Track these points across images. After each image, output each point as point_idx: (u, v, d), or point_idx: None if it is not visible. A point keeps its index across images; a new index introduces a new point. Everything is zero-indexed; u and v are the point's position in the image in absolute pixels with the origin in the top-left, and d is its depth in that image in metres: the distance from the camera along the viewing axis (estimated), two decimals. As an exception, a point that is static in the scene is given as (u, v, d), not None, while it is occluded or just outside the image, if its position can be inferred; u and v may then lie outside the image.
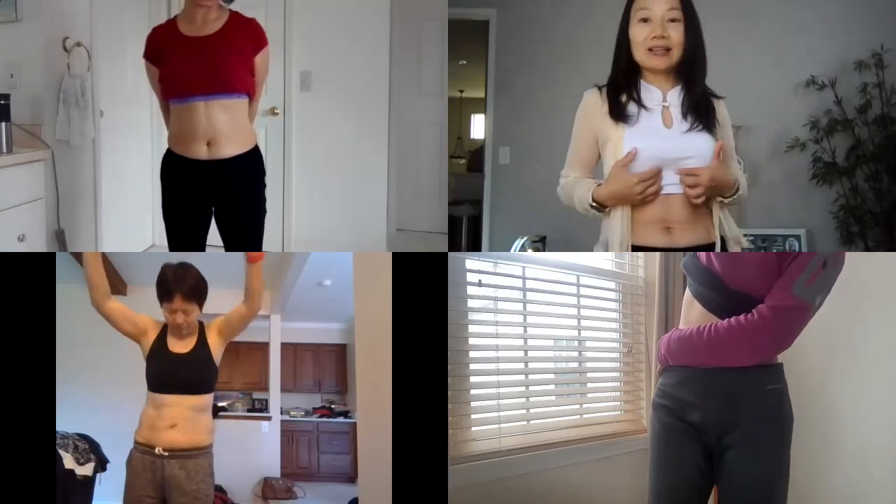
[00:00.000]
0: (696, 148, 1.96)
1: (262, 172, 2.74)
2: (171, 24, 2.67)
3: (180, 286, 2.29)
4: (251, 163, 2.70)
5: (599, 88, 2.07)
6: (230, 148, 2.62)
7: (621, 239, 1.99)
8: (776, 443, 1.85)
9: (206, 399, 2.36)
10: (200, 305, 2.35)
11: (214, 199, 2.66)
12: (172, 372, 2.31)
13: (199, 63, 2.56)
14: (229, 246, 2.74)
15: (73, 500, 3.37)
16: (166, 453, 2.25)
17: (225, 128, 2.60)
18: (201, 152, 2.60)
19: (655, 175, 1.94)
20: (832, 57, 4.24)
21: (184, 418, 2.28)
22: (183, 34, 2.61)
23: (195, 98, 2.56)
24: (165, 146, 2.70)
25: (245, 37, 2.65)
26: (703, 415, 1.86)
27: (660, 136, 1.98)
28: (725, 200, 2.02)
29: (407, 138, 5.08)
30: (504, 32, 5.02)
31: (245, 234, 2.73)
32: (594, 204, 2.02)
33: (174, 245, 2.71)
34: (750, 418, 1.83)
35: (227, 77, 2.59)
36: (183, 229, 2.70)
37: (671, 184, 1.97)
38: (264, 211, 2.77)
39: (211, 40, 2.60)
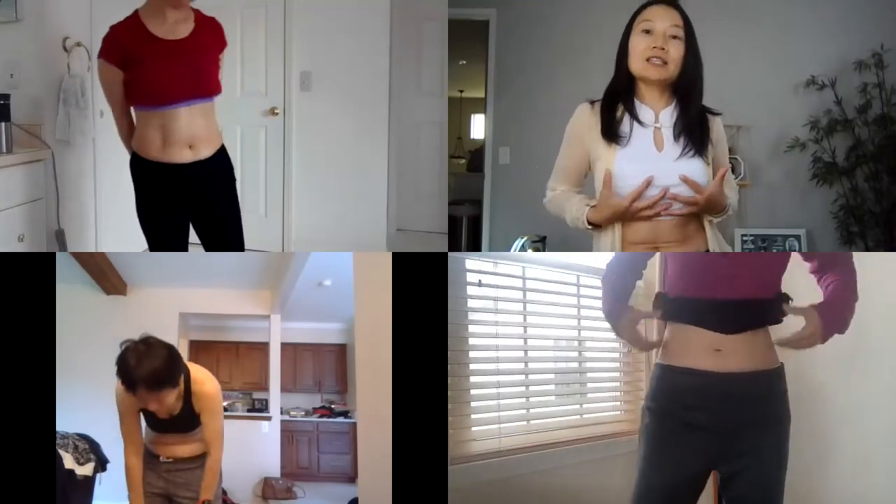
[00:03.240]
0: (687, 174, 1.92)
1: (233, 168, 2.76)
2: (136, 23, 2.52)
3: (143, 378, 2.02)
4: (224, 161, 2.71)
5: (591, 104, 2.04)
6: (207, 149, 2.63)
7: None
8: (784, 444, 1.85)
9: None
10: (174, 386, 2.12)
11: (194, 200, 2.64)
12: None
13: (182, 68, 2.51)
14: (211, 245, 2.74)
15: (73, 500, 3.37)
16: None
17: (204, 131, 2.60)
18: (184, 156, 2.57)
19: (647, 187, 1.90)
20: (832, 57, 4.23)
21: None
22: (156, 36, 2.51)
23: (178, 104, 2.51)
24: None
25: (213, 38, 2.65)
26: (710, 418, 1.82)
27: (650, 161, 1.95)
28: (714, 220, 2.02)
29: (407, 138, 5.09)
30: (504, 32, 5.01)
31: (228, 229, 2.74)
32: (589, 227, 2.02)
33: (157, 250, 2.71)
34: (762, 421, 1.82)
35: (208, 82, 2.58)
36: (168, 235, 2.68)
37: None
38: (239, 206, 2.77)
39: (188, 44, 2.54)
